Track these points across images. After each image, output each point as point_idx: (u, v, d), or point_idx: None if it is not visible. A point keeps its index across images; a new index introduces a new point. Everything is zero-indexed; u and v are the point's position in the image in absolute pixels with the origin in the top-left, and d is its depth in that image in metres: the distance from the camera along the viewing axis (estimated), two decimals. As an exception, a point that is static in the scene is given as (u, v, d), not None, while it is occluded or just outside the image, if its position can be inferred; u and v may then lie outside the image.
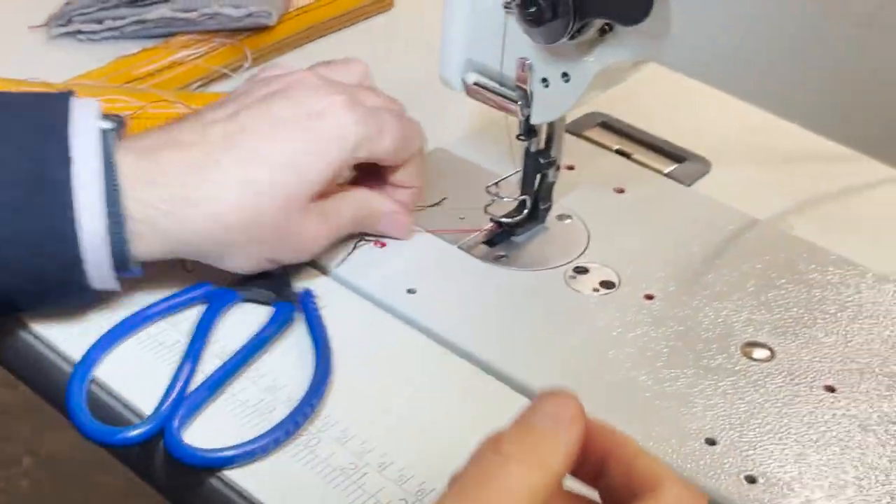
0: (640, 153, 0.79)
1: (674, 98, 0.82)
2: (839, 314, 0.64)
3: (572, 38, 0.56)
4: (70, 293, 0.58)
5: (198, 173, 0.57)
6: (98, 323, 0.61)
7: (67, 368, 0.58)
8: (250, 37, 0.88)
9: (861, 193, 0.76)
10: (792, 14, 0.50)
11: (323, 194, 0.62)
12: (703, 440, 0.56)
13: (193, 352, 0.59)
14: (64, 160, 0.54)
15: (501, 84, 0.64)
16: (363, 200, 0.65)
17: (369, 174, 0.67)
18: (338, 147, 0.60)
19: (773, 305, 0.64)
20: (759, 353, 0.61)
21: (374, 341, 0.62)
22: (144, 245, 0.57)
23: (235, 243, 0.59)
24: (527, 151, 0.67)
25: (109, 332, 0.60)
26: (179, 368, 0.58)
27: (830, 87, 0.51)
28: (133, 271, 0.58)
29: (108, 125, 0.56)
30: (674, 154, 0.78)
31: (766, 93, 0.54)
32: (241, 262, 0.61)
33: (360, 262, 0.66)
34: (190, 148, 0.58)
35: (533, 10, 0.55)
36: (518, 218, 0.68)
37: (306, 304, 0.62)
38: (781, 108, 0.54)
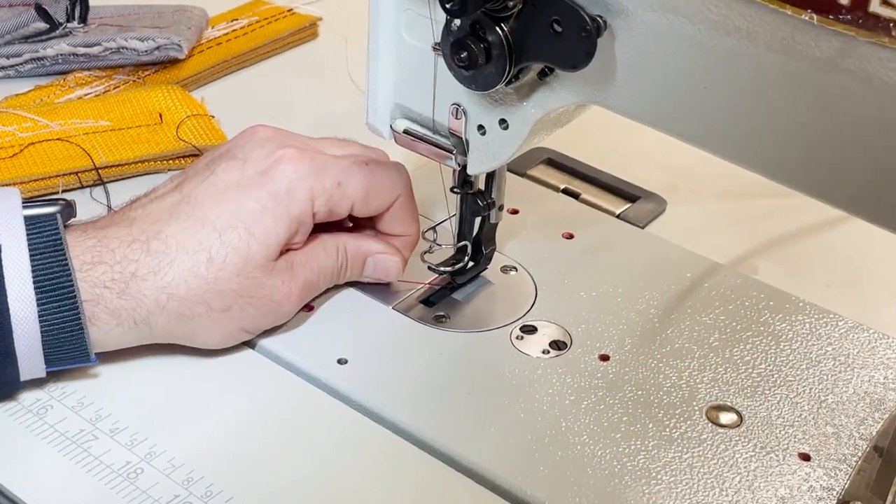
0: (589, 193, 0.73)
1: (623, 131, 0.76)
2: (809, 370, 0.59)
3: (509, 83, 0.50)
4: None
5: (141, 247, 0.55)
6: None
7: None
8: (158, 71, 0.82)
9: (826, 230, 0.71)
10: (746, 57, 0.45)
11: (292, 248, 0.58)
12: (670, 524, 0.50)
13: None
14: None
15: (434, 132, 0.58)
16: (341, 245, 0.61)
17: (365, 223, 0.63)
18: (289, 201, 0.57)
19: (739, 362, 0.59)
20: (726, 418, 0.56)
21: (299, 420, 0.55)
22: (102, 328, 0.54)
23: (198, 315, 0.55)
24: (463, 194, 0.61)
25: None
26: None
27: (786, 133, 0.46)
28: (92, 360, 0.54)
29: (53, 208, 0.54)
30: (625, 193, 0.73)
31: (718, 138, 0.48)
32: (214, 337, 0.57)
33: (283, 329, 0.60)
34: (132, 224, 0.56)
35: (464, 54, 0.49)
36: (459, 266, 0.62)
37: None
38: (734, 154, 0.49)
